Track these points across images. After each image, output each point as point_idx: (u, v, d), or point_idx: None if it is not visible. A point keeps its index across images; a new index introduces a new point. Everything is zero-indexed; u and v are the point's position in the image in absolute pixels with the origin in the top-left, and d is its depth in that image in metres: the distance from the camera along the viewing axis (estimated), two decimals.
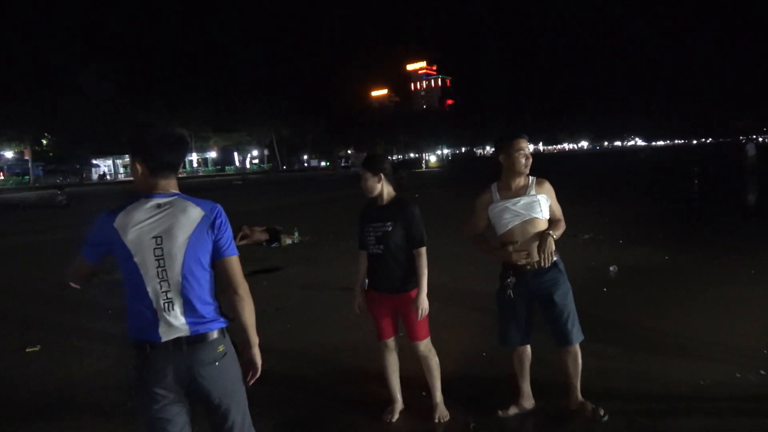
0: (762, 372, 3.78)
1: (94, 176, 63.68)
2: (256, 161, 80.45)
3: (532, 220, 3.20)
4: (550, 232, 3.16)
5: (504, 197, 3.28)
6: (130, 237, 1.94)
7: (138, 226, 1.95)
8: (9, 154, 57.64)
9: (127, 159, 68.56)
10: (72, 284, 2.17)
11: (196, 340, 1.99)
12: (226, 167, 75.00)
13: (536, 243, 3.16)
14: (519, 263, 3.19)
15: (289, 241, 11.31)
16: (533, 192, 3.24)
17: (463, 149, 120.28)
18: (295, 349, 4.93)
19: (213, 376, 2.02)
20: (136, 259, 1.94)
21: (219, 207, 2.08)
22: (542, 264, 3.14)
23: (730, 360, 4.03)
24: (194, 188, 37.96)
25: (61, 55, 50.88)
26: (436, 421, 3.35)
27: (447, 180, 35.56)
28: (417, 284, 3.24)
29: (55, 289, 7.61)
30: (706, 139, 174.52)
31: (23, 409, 3.95)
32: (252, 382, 2.17)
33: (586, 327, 4.69)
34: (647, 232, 10.26)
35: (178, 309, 1.97)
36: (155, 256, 1.95)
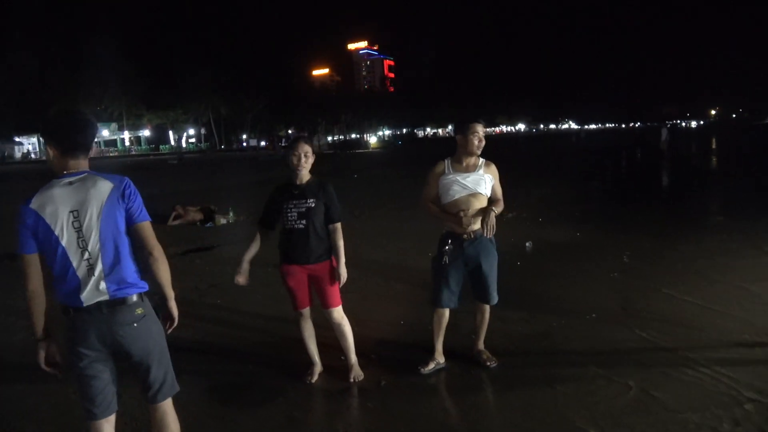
0: (639, 332, 4.34)
1: (17, 154, 60.30)
2: (192, 140, 78.11)
3: (476, 195, 3.62)
4: (493, 208, 3.59)
5: (456, 171, 3.68)
6: (48, 212, 2.15)
7: (54, 202, 2.16)
8: None
9: None
10: (36, 316, 2.23)
11: (115, 304, 2.22)
12: (161, 146, 72.46)
13: (478, 215, 3.59)
14: (464, 229, 3.59)
15: (223, 221, 11.36)
16: (481, 171, 3.68)
17: (405, 130, 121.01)
18: (227, 321, 5.17)
19: (132, 336, 2.25)
20: (56, 233, 2.15)
21: (127, 179, 2.30)
22: (485, 234, 3.56)
23: (619, 322, 4.59)
24: (127, 168, 36.75)
25: None
26: (351, 380, 3.70)
27: (389, 161, 36.02)
28: (336, 256, 3.56)
29: None
30: (635, 123, 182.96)
31: None
32: (170, 330, 2.45)
33: (499, 296, 5.23)
34: (566, 211, 10.99)
35: (98, 275, 2.19)
36: (74, 228, 2.16)
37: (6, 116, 47.31)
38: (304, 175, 3.60)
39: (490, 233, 3.56)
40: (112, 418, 2.36)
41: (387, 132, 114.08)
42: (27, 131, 58.71)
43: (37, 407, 3.54)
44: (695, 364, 3.69)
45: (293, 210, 3.55)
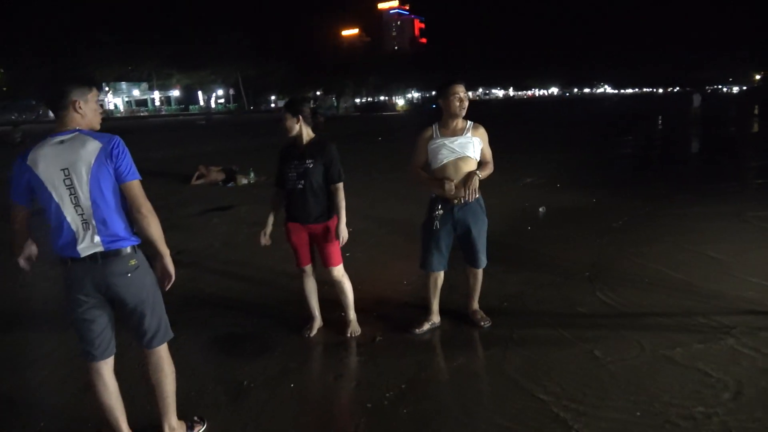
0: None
1: (51, 114, 61.56)
2: (221, 101, 78.52)
3: (464, 158, 3.62)
4: (477, 171, 3.60)
5: (443, 135, 3.69)
6: (41, 169, 2.28)
7: (46, 160, 2.28)
8: None
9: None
10: (22, 262, 2.45)
11: (109, 255, 2.36)
12: (191, 107, 73.10)
13: (463, 180, 3.60)
14: (450, 195, 3.61)
15: (244, 181, 11.57)
16: (469, 134, 3.66)
17: (434, 93, 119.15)
18: (236, 276, 5.36)
19: (125, 285, 2.40)
20: (49, 189, 2.28)
21: (117, 138, 2.38)
22: (467, 198, 3.59)
23: (621, 285, 4.62)
24: (156, 128, 37.25)
25: None
26: (348, 335, 3.84)
27: (415, 124, 35.72)
28: (337, 215, 3.64)
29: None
30: (673, 88, 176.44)
31: None
32: (168, 287, 2.54)
33: (504, 258, 5.31)
34: (585, 177, 10.87)
35: (92, 229, 2.32)
36: (66, 185, 2.28)
37: (38, 78, 48.11)
38: (304, 137, 3.66)
39: (472, 197, 3.58)
40: (110, 360, 2.54)
41: (416, 95, 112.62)
42: None
43: (53, 350, 3.78)
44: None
45: (293, 171, 3.63)
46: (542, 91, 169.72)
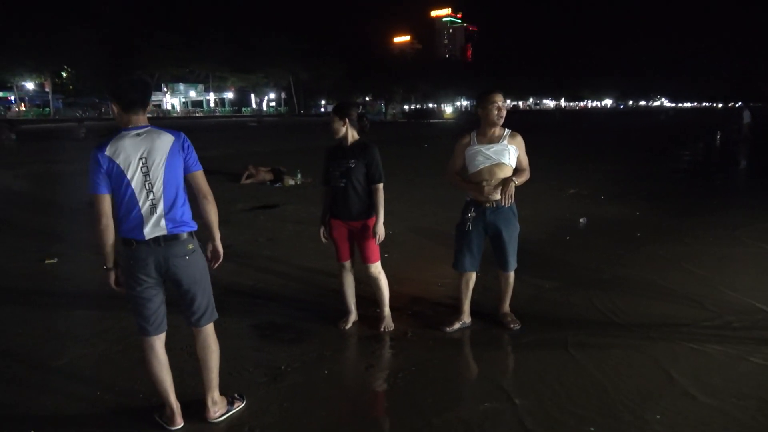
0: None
1: (111, 113, 64.39)
2: (273, 104, 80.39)
3: (499, 165, 3.77)
4: (513, 178, 3.74)
5: (480, 142, 3.85)
6: (121, 158, 2.53)
7: (126, 150, 2.54)
8: (30, 86, 58.31)
9: None
10: (107, 248, 2.62)
11: (171, 238, 2.62)
12: (243, 109, 75.20)
13: (500, 185, 3.74)
14: (486, 198, 3.77)
15: (291, 182, 11.93)
16: (505, 142, 3.80)
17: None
18: (278, 271, 5.61)
19: (183, 267, 2.65)
20: (128, 176, 2.54)
21: (184, 134, 2.68)
22: (502, 203, 3.74)
23: (659, 298, 4.63)
24: (210, 128, 38.50)
25: None
26: (382, 330, 4.01)
27: (461, 132, 35.62)
28: (375, 214, 3.82)
29: (75, 209, 8.38)
30: (735, 102, 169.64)
31: (38, 310, 4.70)
32: (215, 266, 2.83)
33: (539, 265, 5.39)
34: (630, 189, 10.70)
35: (159, 213, 2.58)
36: (142, 172, 2.54)
37: (102, 75, 50.42)
38: (350, 138, 3.87)
39: (507, 202, 3.70)
40: (163, 336, 2.78)
41: (464, 102, 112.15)
42: None
43: (109, 328, 4.10)
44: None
45: (336, 170, 3.85)
46: (595, 103, 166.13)
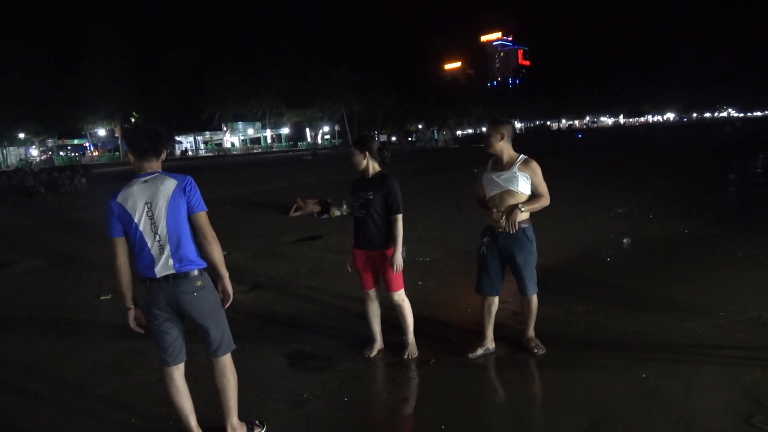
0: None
1: (177, 152, 67.62)
2: (327, 137, 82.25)
3: (509, 191, 3.83)
4: (520, 205, 3.77)
5: (493, 170, 3.94)
6: (129, 204, 2.77)
7: (133, 196, 2.77)
8: (102, 132, 62.27)
9: (207, 135, 72.43)
10: (123, 287, 2.84)
11: (179, 276, 2.79)
12: (299, 143, 77.25)
13: (506, 210, 3.80)
14: (496, 226, 3.84)
15: (338, 213, 12.19)
16: (515, 169, 3.85)
17: (537, 123, 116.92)
18: (316, 300, 5.78)
19: (192, 303, 2.81)
20: (136, 221, 2.76)
21: (189, 178, 2.85)
22: (507, 230, 3.78)
23: (692, 318, 4.48)
24: (266, 163, 39.83)
25: (144, 35, 54.35)
26: (406, 357, 4.07)
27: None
28: (394, 244, 3.91)
29: None
30: None
31: (90, 342, 5.04)
32: (227, 305, 2.95)
33: (573, 288, 5.32)
34: (681, 206, 10.32)
35: (167, 254, 2.77)
36: (148, 216, 2.76)
37: (168, 117, 53.32)
38: (370, 170, 4.01)
39: (511, 229, 3.74)
40: (182, 366, 2.96)
41: (519, 125, 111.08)
42: (185, 131, 65.78)
43: (149, 360, 4.35)
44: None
45: (357, 201, 4.00)
46: (657, 117, 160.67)
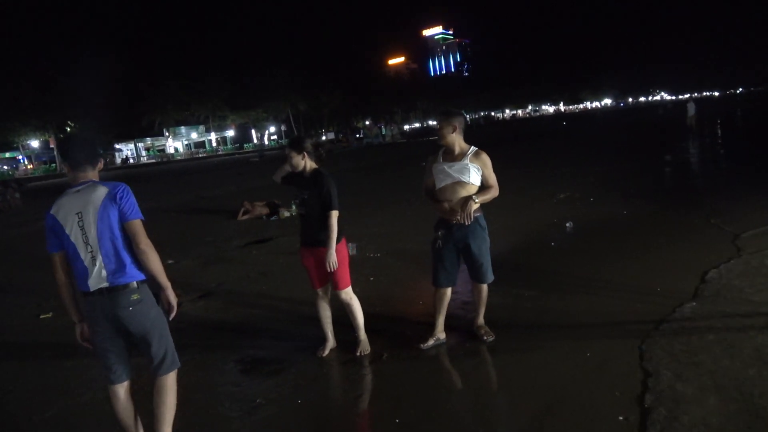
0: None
1: (118, 160, 65.36)
2: (274, 137, 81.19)
3: (460, 183, 3.87)
4: (473, 196, 3.82)
5: (444, 160, 3.97)
6: (61, 215, 2.67)
7: (65, 207, 2.68)
8: (35, 144, 59.53)
9: (148, 142, 70.22)
10: (66, 303, 2.76)
11: (113, 290, 2.67)
12: (245, 145, 75.99)
13: (461, 203, 3.83)
14: (449, 219, 3.88)
15: (287, 214, 12.06)
16: (466, 161, 3.89)
17: (482, 114, 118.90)
18: (267, 305, 5.71)
19: (129, 317, 2.68)
20: (67, 232, 2.66)
21: (122, 185, 2.73)
22: (462, 221, 3.82)
23: (635, 299, 4.67)
24: (212, 167, 39.04)
25: (74, 42, 52.20)
26: (358, 354, 4.08)
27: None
28: (327, 241, 3.85)
29: None
30: (735, 89, 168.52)
31: (31, 364, 4.82)
32: (171, 317, 2.84)
33: (520, 276, 5.45)
34: (620, 189, 10.73)
35: (99, 265, 2.65)
36: (79, 227, 2.65)
37: (104, 126, 51.41)
38: (308, 169, 4.00)
39: (467, 220, 3.79)
40: (126, 384, 2.85)
41: (465, 116, 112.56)
42: (125, 138, 63.62)
43: (95, 377, 4.21)
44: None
45: (297, 199, 4.00)
46: (595, 104, 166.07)
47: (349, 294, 4.07)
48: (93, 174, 2.79)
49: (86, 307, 2.73)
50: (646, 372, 3.33)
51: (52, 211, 2.69)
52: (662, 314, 4.18)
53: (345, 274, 4.01)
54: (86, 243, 2.66)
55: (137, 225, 2.70)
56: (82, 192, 2.70)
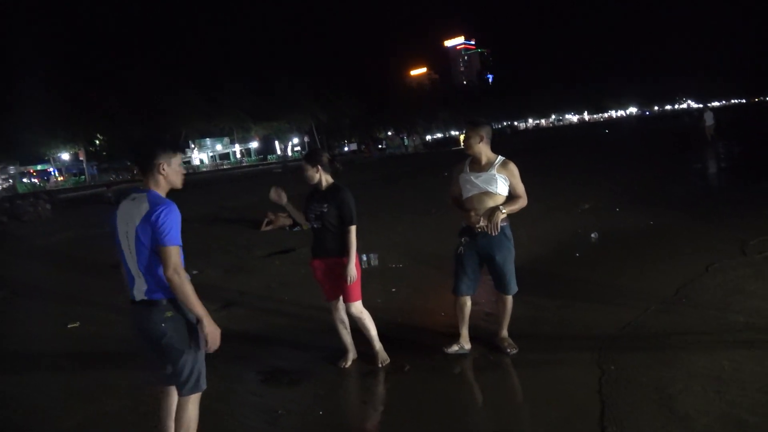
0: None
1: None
2: (297, 148, 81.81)
3: (487, 193, 3.85)
4: (501, 207, 3.79)
5: (471, 170, 3.95)
6: (118, 222, 2.70)
7: (121, 213, 2.69)
8: (66, 156, 60.91)
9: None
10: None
11: (149, 303, 2.66)
12: (269, 156, 76.70)
13: (488, 213, 3.80)
14: (475, 227, 3.85)
15: (309, 225, 12.13)
16: (493, 171, 3.86)
17: (505, 123, 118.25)
18: (287, 314, 5.73)
19: (159, 333, 2.65)
20: (119, 238, 2.69)
21: (163, 207, 2.59)
22: (489, 232, 3.79)
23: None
24: (236, 178, 39.42)
25: (104, 56, 53.40)
26: (379, 365, 4.05)
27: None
28: (347, 255, 3.87)
29: (98, 272, 8.68)
30: (764, 96, 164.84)
31: (57, 373, 4.90)
32: (211, 349, 2.69)
33: (544, 286, 5.38)
34: (646, 198, 10.57)
35: (139, 278, 2.67)
36: (126, 238, 2.66)
37: (132, 137, 52.30)
38: (323, 183, 4.00)
39: (493, 231, 3.75)
40: (173, 388, 2.81)
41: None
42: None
43: (118, 386, 4.25)
44: None
45: (312, 213, 4.00)
46: (620, 112, 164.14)
47: (359, 308, 4.04)
48: (152, 181, 2.71)
49: (130, 314, 2.75)
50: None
51: (117, 212, 2.71)
52: (690, 326, 4.08)
53: (357, 288, 3.99)
54: (130, 253, 2.66)
55: (166, 252, 2.56)
56: (134, 203, 2.66)
